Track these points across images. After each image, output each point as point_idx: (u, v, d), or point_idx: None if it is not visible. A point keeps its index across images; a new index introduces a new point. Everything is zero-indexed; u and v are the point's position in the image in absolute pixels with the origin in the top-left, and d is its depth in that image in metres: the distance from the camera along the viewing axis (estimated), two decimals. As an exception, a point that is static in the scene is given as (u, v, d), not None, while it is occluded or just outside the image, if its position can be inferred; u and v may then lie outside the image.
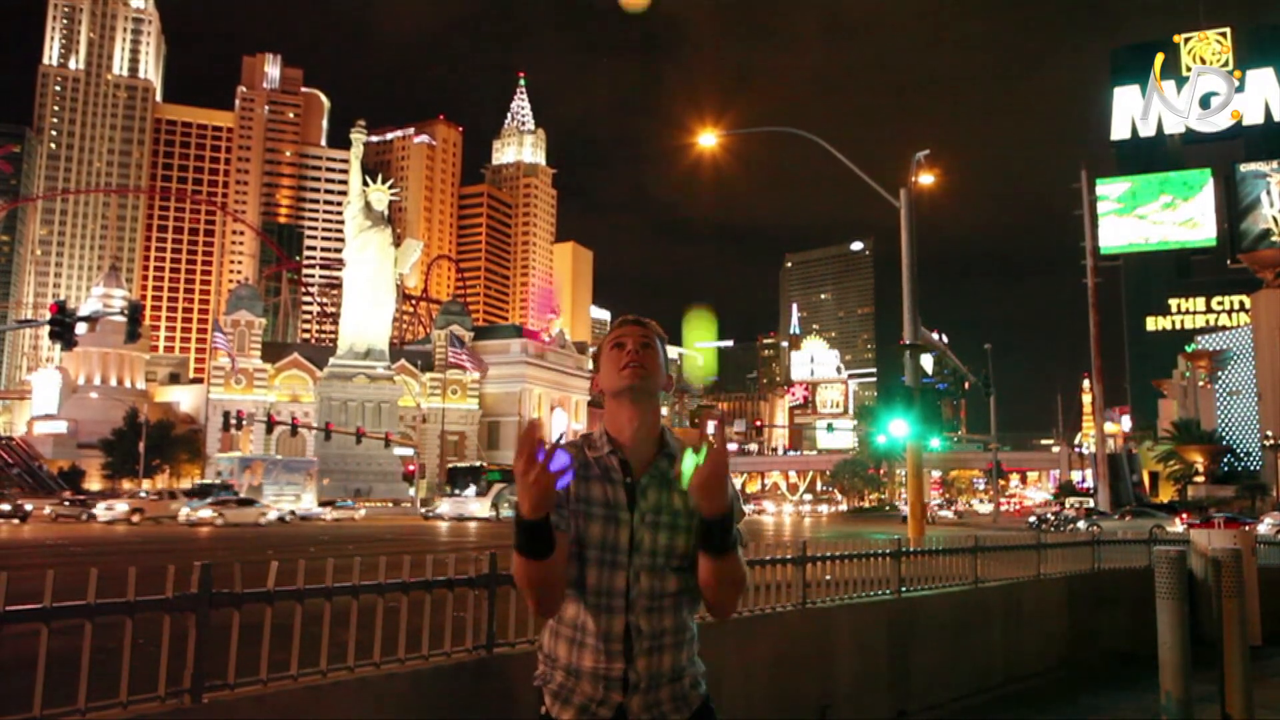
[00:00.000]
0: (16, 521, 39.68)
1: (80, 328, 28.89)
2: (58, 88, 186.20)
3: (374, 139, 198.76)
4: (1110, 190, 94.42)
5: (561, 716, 2.19)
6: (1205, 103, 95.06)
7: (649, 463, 2.24)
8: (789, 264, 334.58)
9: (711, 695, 2.34)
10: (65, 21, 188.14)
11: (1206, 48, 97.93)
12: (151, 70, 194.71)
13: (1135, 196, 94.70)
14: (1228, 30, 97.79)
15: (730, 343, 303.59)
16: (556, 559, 2.07)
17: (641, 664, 2.15)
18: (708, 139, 19.50)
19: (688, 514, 2.20)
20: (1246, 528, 17.67)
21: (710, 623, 3.00)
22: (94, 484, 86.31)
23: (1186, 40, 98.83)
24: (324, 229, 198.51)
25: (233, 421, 52.78)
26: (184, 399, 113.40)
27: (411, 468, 77.91)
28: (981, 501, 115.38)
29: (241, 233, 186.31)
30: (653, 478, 2.22)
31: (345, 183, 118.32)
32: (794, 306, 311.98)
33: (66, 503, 47.19)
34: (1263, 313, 73.16)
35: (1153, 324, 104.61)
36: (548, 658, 2.25)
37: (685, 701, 2.22)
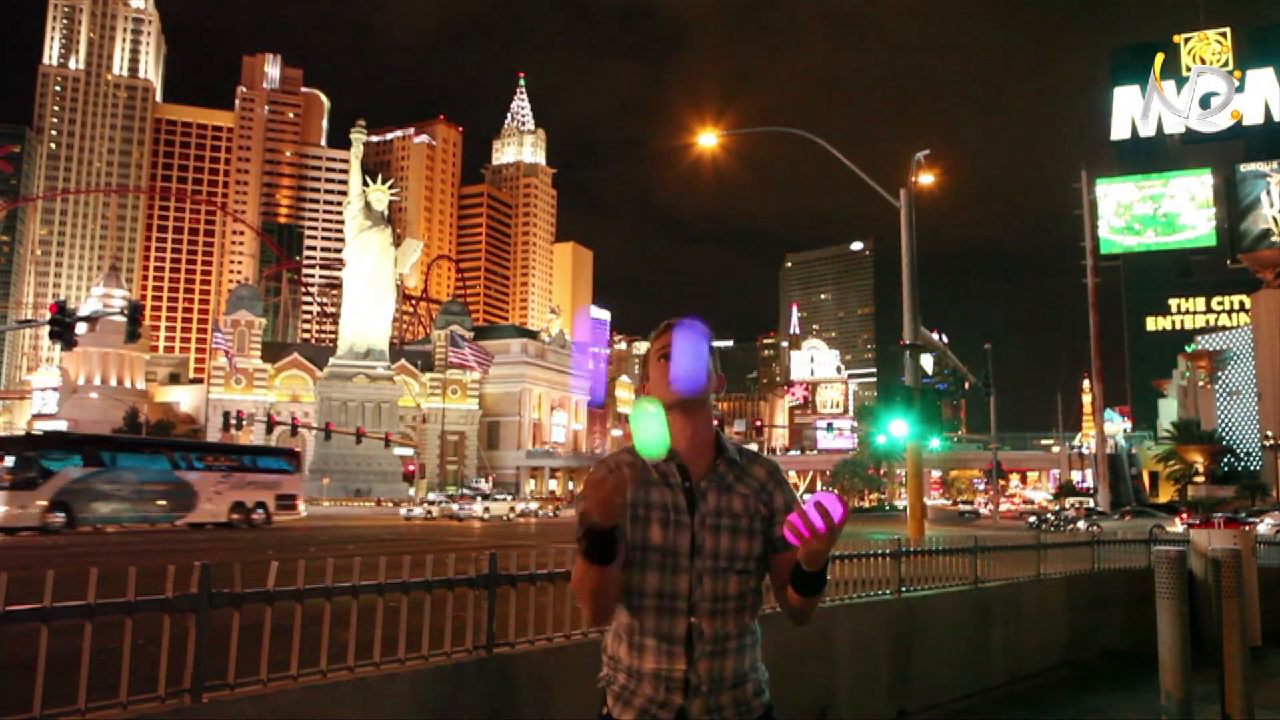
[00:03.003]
0: None
1: (80, 328, 28.84)
2: (58, 88, 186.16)
3: (374, 139, 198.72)
4: (1110, 190, 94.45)
5: (622, 718, 2.18)
6: (1205, 103, 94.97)
7: (706, 467, 2.24)
8: (789, 264, 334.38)
9: None
10: (65, 21, 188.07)
11: (1206, 48, 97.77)
12: (151, 70, 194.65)
13: (1135, 196, 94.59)
14: (1228, 30, 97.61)
15: (730, 343, 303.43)
16: (617, 565, 2.09)
17: (703, 666, 2.14)
18: (708, 139, 19.48)
19: (748, 517, 2.21)
20: (1246, 528, 17.66)
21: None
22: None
23: (1186, 40, 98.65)
24: (324, 229, 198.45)
25: (232, 422, 52.95)
26: (184, 399, 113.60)
27: (411, 468, 77.96)
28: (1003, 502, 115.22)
29: (241, 233, 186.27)
30: (711, 481, 2.22)
31: (345, 183, 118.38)
32: (794, 306, 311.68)
33: None
34: (1263, 313, 73.16)
35: (1153, 324, 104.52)
36: (611, 659, 2.25)
37: (748, 708, 2.19)
